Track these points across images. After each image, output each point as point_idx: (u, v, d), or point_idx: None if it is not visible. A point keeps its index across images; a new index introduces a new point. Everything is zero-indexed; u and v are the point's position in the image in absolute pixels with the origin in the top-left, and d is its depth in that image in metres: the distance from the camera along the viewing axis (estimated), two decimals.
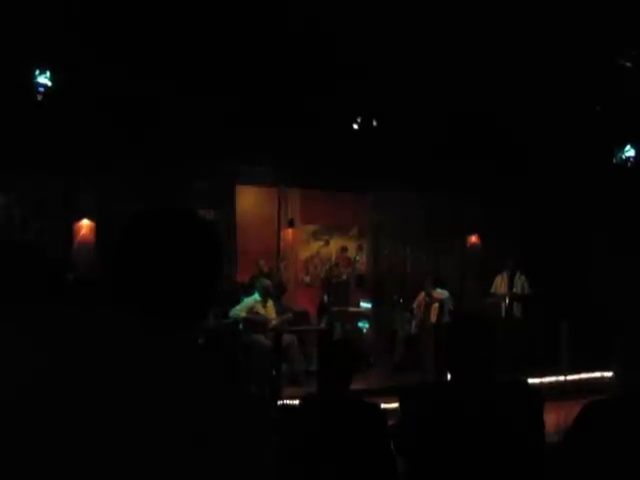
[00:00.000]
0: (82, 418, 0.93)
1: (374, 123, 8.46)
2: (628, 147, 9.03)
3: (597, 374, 8.27)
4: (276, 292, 8.27)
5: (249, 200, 9.59)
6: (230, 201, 9.32)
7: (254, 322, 7.49)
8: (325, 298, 8.92)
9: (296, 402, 3.36)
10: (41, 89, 6.64)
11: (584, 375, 8.43)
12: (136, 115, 7.36)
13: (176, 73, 6.99)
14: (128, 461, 0.92)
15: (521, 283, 9.04)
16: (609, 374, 7.85)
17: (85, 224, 8.22)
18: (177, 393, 0.96)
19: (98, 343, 0.99)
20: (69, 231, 8.16)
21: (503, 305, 9.11)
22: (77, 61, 6.53)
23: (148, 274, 1.07)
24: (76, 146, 7.52)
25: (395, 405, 4.80)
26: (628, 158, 9.06)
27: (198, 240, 1.12)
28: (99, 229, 8.19)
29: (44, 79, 6.62)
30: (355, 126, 8.54)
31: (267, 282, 7.78)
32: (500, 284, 9.25)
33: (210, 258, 1.13)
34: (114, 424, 0.93)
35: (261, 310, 7.61)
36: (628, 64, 7.20)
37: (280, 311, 7.97)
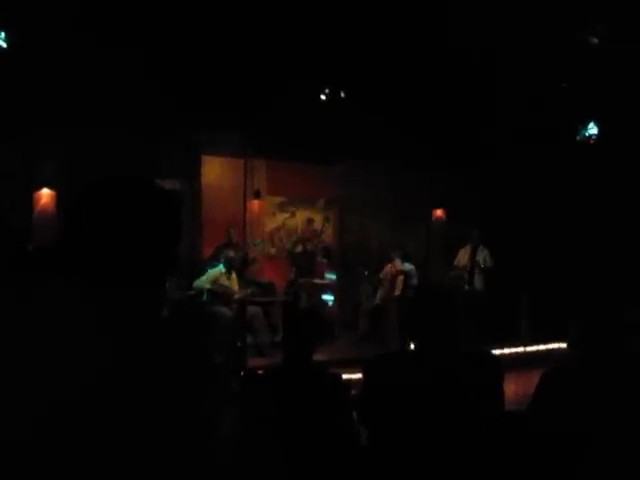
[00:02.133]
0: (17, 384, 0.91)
1: (342, 94, 8.40)
2: (591, 125, 9.17)
3: (555, 345, 8.52)
4: (240, 264, 8.25)
5: (215, 170, 9.47)
6: (195, 171, 9.19)
7: (218, 294, 7.49)
8: (293, 271, 8.93)
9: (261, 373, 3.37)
10: None
11: (542, 346, 8.67)
12: (98, 81, 7.15)
13: (140, 40, 6.80)
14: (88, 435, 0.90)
15: (483, 256, 9.21)
16: (566, 345, 8.11)
17: (45, 193, 8.02)
18: (134, 364, 0.95)
19: (49, 317, 0.97)
20: (29, 200, 7.95)
21: (465, 277, 9.28)
22: (34, 22, 6.29)
23: (103, 243, 1.05)
24: (35, 113, 7.28)
25: (359, 376, 4.86)
26: (591, 136, 9.20)
27: (154, 208, 1.11)
28: (60, 199, 8.00)
29: None
30: (322, 97, 8.46)
31: (231, 254, 7.75)
32: (463, 257, 9.40)
33: (166, 227, 1.12)
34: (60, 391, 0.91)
35: (225, 282, 7.61)
36: (594, 40, 7.26)
37: (244, 284, 7.97)
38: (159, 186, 1.15)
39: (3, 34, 6.36)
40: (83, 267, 1.05)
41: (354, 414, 2.54)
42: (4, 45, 6.38)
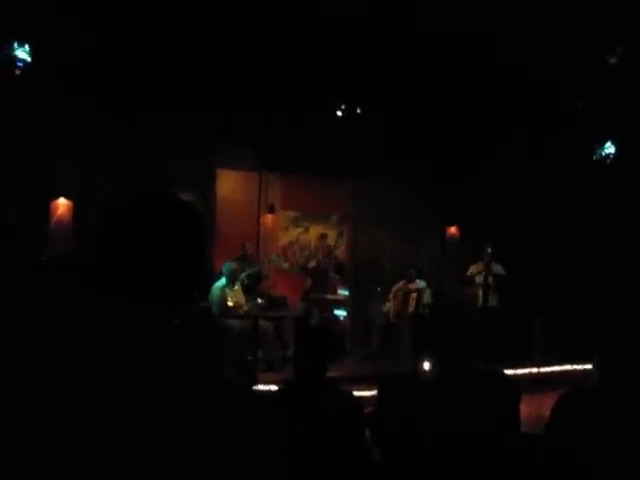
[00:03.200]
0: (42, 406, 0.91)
1: (358, 110, 8.42)
2: (608, 144, 9.12)
3: (568, 367, 8.41)
4: (255, 280, 8.24)
5: (229, 184, 9.52)
6: (210, 185, 9.24)
7: (227, 307, 7.47)
8: (309, 282, 8.92)
9: (272, 388, 3.35)
10: (19, 64, 6.47)
11: (556, 368, 8.56)
12: (117, 95, 7.23)
13: (158, 53, 6.88)
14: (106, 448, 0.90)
15: (496, 270, 9.16)
16: (580, 367, 8.00)
17: (62, 203, 8.08)
18: (150, 380, 0.95)
19: (69, 331, 0.97)
20: (46, 210, 8.02)
21: (480, 294, 9.21)
22: (58, 35, 6.38)
23: (130, 261, 1.05)
24: (55, 124, 7.37)
25: (371, 393, 4.82)
26: (608, 155, 9.15)
27: (181, 226, 1.10)
28: (77, 209, 8.06)
29: (23, 53, 6.45)
30: (339, 113, 8.49)
31: (234, 266, 7.71)
32: (476, 273, 9.34)
33: (193, 243, 1.12)
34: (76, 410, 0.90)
35: (229, 295, 7.57)
36: (613, 60, 7.24)
37: (253, 297, 7.96)
38: (188, 203, 1.15)
39: (27, 47, 6.45)
40: (108, 282, 1.05)
41: (367, 432, 2.51)
42: (28, 59, 6.48)
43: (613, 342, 1.97)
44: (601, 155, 9.12)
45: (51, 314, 1.00)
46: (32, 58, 6.52)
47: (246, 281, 8.03)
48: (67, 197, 8.07)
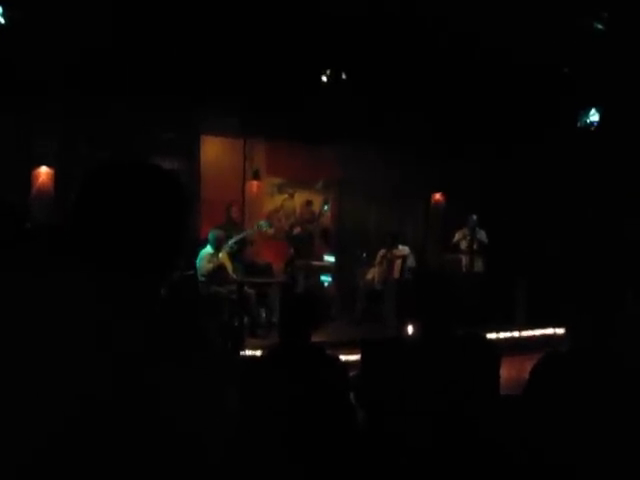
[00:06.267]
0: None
1: (343, 76, 8.34)
2: (593, 111, 9.13)
3: (550, 330, 8.58)
4: (239, 246, 8.23)
5: (214, 151, 9.44)
6: (194, 151, 9.16)
7: (217, 274, 7.48)
8: (291, 252, 8.94)
9: (258, 353, 3.40)
10: None
11: (537, 331, 8.73)
12: (100, 60, 7.08)
13: (140, 16, 6.72)
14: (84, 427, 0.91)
15: (479, 237, 9.25)
16: (561, 330, 8.16)
17: (44, 171, 7.98)
18: (131, 354, 0.95)
19: (46, 301, 0.96)
20: (27, 178, 7.92)
21: (464, 260, 9.31)
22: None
23: (110, 228, 1.05)
24: (33, 90, 7.22)
25: (355, 357, 4.89)
26: (592, 122, 9.17)
27: (163, 194, 1.10)
28: (58, 177, 7.97)
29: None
30: (323, 78, 8.40)
31: (220, 233, 7.69)
32: (461, 240, 9.43)
33: (175, 212, 1.11)
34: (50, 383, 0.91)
35: (215, 262, 7.58)
36: (599, 26, 7.21)
37: (240, 266, 7.98)
38: (169, 171, 1.15)
39: (1, 9, 6.27)
40: (89, 250, 1.05)
41: (352, 395, 2.56)
42: (2, 21, 6.30)
43: (581, 309, 2.02)
44: (585, 122, 9.14)
45: (38, 294, 0.99)
46: (6, 20, 6.34)
47: (235, 247, 7.98)
48: (49, 165, 7.97)
